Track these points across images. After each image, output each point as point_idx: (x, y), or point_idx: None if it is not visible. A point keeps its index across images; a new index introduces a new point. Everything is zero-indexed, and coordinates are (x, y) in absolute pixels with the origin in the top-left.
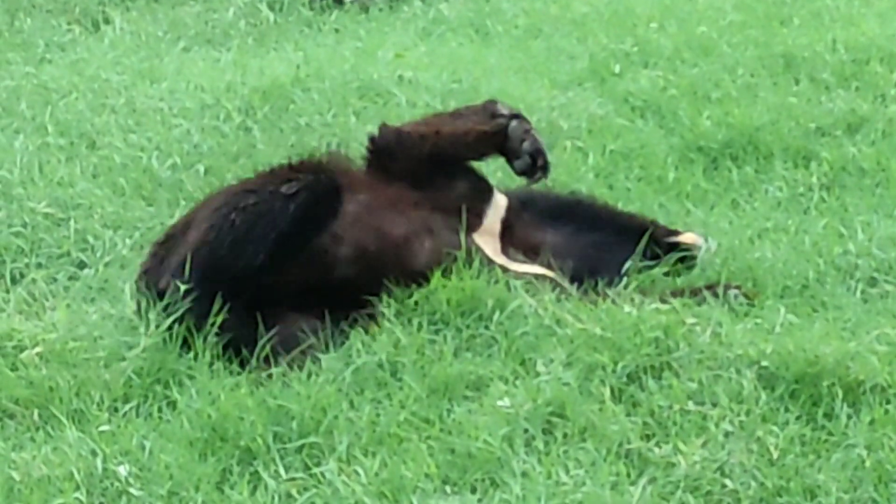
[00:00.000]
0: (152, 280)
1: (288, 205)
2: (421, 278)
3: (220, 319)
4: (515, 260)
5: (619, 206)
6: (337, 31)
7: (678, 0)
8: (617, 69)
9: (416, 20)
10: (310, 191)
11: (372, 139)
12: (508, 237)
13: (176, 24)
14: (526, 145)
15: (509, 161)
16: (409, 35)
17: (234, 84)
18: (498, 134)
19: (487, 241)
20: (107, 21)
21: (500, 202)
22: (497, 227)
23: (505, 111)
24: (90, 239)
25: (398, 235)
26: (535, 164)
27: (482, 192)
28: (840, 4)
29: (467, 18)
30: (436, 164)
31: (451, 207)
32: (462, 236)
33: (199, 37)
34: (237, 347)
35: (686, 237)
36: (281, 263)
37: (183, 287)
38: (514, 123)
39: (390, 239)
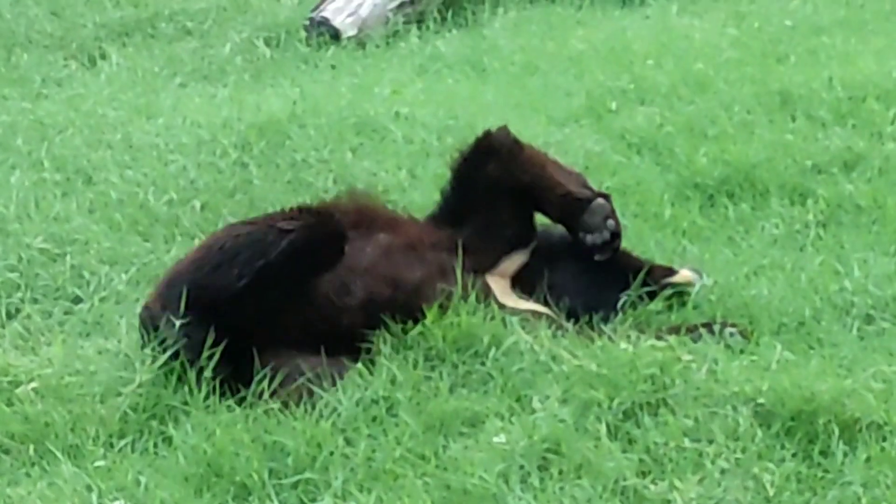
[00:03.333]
0: (145, 312)
1: (281, 239)
2: None
3: (216, 353)
4: (521, 298)
5: None
6: (333, 67)
7: (674, 37)
8: (613, 106)
9: (412, 57)
10: (308, 231)
11: (488, 132)
12: (516, 277)
13: (172, 60)
14: (610, 223)
15: (575, 231)
16: (405, 71)
17: (230, 120)
18: (580, 202)
19: (498, 281)
20: (103, 57)
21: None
22: (513, 270)
23: (594, 187)
24: (86, 274)
25: (410, 282)
26: (610, 244)
27: (524, 239)
28: (836, 42)
29: (464, 55)
30: (517, 190)
31: (475, 247)
32: (472, 279)
33: (195, 73)
34: (231, 383)
35: (681, 276)
36: (270, 298)
37: (172, 312)
38: (600, 200)
39: (401, 286)
